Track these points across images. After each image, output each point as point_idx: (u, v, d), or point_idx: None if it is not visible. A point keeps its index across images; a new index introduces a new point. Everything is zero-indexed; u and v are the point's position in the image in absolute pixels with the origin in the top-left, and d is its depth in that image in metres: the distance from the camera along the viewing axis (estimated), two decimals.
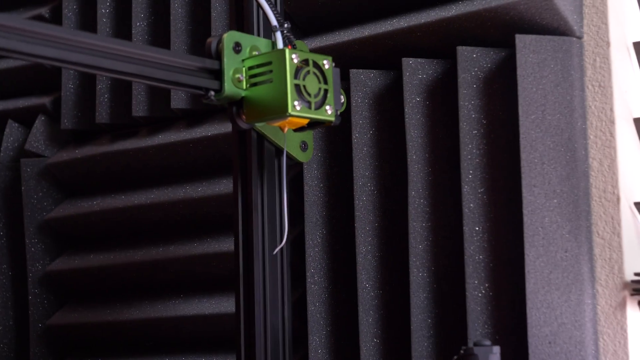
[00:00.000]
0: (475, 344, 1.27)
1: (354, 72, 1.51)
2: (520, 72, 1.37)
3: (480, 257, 1.38)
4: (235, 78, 1.26)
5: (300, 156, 1.40)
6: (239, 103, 1.28)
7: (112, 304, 1.80)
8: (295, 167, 1.57)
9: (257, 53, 1.29)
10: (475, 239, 1.39)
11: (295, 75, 1.25)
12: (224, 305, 1.63)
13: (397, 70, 1.50)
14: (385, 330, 1.46)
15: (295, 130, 1.30)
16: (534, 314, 1.33)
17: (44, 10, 1.92)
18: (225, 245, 1.64)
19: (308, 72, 1.26)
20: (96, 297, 1.83)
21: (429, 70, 1.46)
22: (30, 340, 1.86)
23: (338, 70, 1.31)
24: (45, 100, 1.90)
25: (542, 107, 1.36)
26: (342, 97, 1.40)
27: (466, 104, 1.41)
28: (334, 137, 1.55)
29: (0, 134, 1.98)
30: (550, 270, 1.34)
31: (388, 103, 1.51)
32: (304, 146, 1.40)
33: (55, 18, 1.91)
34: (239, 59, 1.28)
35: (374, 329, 1.46)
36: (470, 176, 1.39)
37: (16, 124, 1.95)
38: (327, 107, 1.28)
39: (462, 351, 1.28)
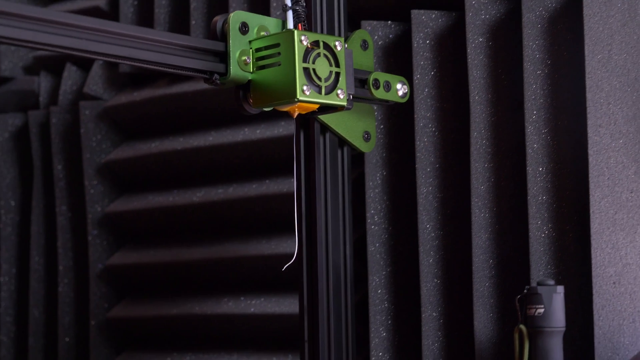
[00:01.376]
0: (539, 284, 1.28)
1: (415, 13, 1.50)
2: (586, 11, 1.35)
3: (544, 197, 1.38)
4: (242, 60, 1.21)
5: (362, 146, 1.39)
6: (245, 87, 1.23)
7: (171, 244, 1.81)
8: None
9: (265, 34, 1.23)
10: (539, 179, 1.38)
11: (305, 57, 1.20)
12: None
13: (458, 10, 1.49)
14: (445, 271, 1.46)
15: (304, 114, 1.25)
16: (598, 254, 1.33)
17: (101, 3, 1.93)
18: (285, 185, 1.65)
19: (318, 54, 1.21)
20: (155, 238, 1.85)
21: (492, 10, 1.45)
22: (89, 280, 1.89)
23: (351, 51, 1.27)
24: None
25: (608, 47, 1.35)
26: (405, 86, 1.39)
27: (530, 44, 1.39)
28: None
29: (59, 77, 1.99)
30: (616, 211, 1.33)
31: (450, 44, 1.50)
32: (366, 136, 1.40)
33: (114, 10, 1.92)
34: (246, 40, 1.22)
35: (435, 269, 1.47)
36: (534, 116, 1.38)
37: (74, 68, 1.96)
38: (339, 92, 1.23)
39: (525, 291, 1.29)
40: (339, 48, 1.23)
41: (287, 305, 1.64)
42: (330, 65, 1.22)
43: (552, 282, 1.28)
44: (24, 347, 2.00)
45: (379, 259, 1.52)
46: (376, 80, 1.36)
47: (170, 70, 1.18)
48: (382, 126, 1.54)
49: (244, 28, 1.21)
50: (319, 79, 1.21)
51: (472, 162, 1.42)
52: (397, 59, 1.54)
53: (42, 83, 2.02)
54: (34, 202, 1.98)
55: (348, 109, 1.25)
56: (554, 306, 1.27)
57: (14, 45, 1.08)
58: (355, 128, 1.37)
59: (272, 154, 1.69)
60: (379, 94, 1.36)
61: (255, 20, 1.23)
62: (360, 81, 1.36)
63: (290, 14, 1.23)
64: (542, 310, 1.27)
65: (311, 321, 1.36)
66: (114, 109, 1.87)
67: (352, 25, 1.53)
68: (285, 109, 1.22)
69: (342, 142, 1.37)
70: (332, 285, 1.36)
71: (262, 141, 1.69)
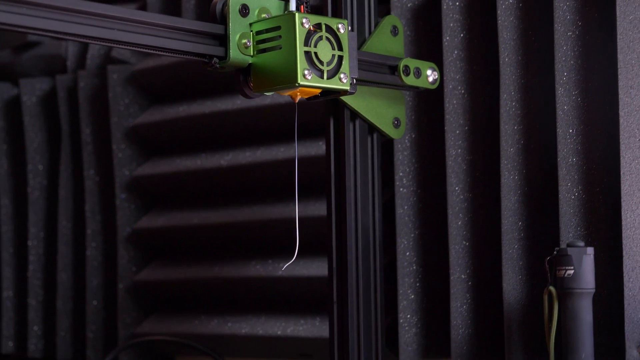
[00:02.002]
0: (569, 245, 1.27)
1: None
2: None
3: (574, 159, 1.37)
4: (242, 44, 1.17)
5: (392, 133, 1.39)
6: (246, 70, 1.20)
7: (198, 207, 1.82)
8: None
9: (266, 16, 1.20)
10: (569, 141, 1.37)
11: (306, 41, 1.17)
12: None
13: None
14: (474, 233, 1.46)
15: (308, 99, 1.23)
16: (628, 216, 1.32)
17: None
18: (313, 149, 1.65)
19: (320, 37, 1.18)
20: (183, 201, 1.86)
21: None
22: (117, 244, 1.90)
23: (354, 34, 1.25)
24: (132, 7, 1.91)
25: None
26: (435, 72, 1.38)
27: (561, 5, 1.38)
28: (424, 43, 1.54)
29: None
30: None
31: (479, 6, 1.49)
32: (396, 123, 1.39)
33: None
34: (246, 22, 1.18)
35: (463, 231, 1.47)
36: (564, 78, 1.38)
37: None
38: (342, 75, 1.20)
39: (555, 252, 1.28)
40: (342, 31, 1.21)
41: (315, 268, 1.65)
42: (333, 48, 1.20)
43: (582, 243, 1.27)
44: (52, 311, 2.02)
45: (407, 222, 1.52)
46: (406, 67, 1.35)
47: (168, 54, 1.15)
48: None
49: (244, 10, 1.18)
50: (321, 62, 1.18)
51: (501, 124, 1.42)
52: (427, 21, 1.53)
53: (70, 47, 2.02)
54: (62, 166, 1.99)
55: (351, 93, 1.23)
56: (584, 268, 1.27)
57: None
58: (385, 114, 1.37)
59: (301, 117, 1.68)
60: (410, 80, 1.36)
61: (256, 2, 1.19)
62: (390, 68, 1.36)
63: None
64: (571, 272, 1.27)
65: (340, 283, 1.36)
66: (141, 72, 1.88)
67: (383, 11, 1.52)
68: (287, 93, 1.20)
69: (372, 128, 1.37)
70: (361, 248, 1.37)
71: (290, 105, 1.68)
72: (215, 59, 1.17)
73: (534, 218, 1.42)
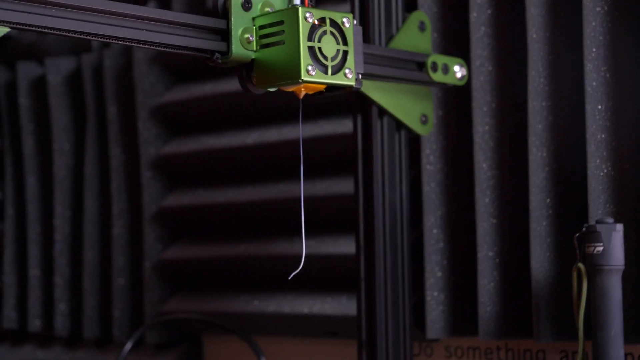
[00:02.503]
0: (598, 222, 1.27)
1: None
2: None
3: (603, 136, 1.36)
4: (245, 38, 1.15)
5: (420, 129, 1.38)
6: (249, 66, 1.17)
7: (224, 186, 1.82)
8: None
9: (270, 10, 1.17)
10: (598, 117, 1.36)
11: (310, 36, 1.14)
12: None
13: None
14: (502, 211, 1.46)
15: (313, 94, 1.19)
16: None
17: None
18: (340, 127, 1.65)
19: (325, 32, 1.15)
20: (209, 180, 1.86)
21: None
22: (143, 223, 1.90)
23: (360, 28, 1.22)
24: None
25: None
26: (463, 68, 1.37)
27: None
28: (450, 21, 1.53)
29: None
30: None
31: None
32: (424, 119, 1.38)
33: None
34: (249, 16, 1.16)
35: (491, 208, 1.46)
36: (593, 54, 1.37)
37: None
38: (347, 71, 1.17)
39: (584, 229, 1.28)
40: (347, 25, 1.17)
41: (341, 245, 1.65)
42: (338, 43, 1.17)
43: (611, 220, 1.27)
44: (78, 290, 2.02)
45: (434, 199, 1.52)
46: (434, 64, 1.35)
47: (168, 50, 1.12)
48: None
49: (246, 4, 1.15)
50: (325, 58, 1.15)
51: (529, 100, 1.41)
52: (454, 10, 1.52)
53: None
54: (88, 145, 1.99)
55: (357, 88, 1.20)
56: (613, 244, 1.26)
57: None
58: (413, 111, 1.36)
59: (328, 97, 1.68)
60: (437, 77, 1.35)
61: None
62: (418, 64, 1.35)
63: None
64: (601, 249, 1.26)
65: (367, 260, 1.36)
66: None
67: (410, 6, 1.50)
68: (291, 89, 1.17)
69: (399, 124, 1.36)
70: (389, 225, 1.37)
71: None
72: (217, 54, 1.14)
73: (563, 195, 1.41)
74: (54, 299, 2.05)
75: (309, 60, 1.13)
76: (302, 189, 1.26)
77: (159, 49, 1.11)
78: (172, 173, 1.91)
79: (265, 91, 1.20)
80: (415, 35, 1.37)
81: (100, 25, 1.06)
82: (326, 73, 1.15)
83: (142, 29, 1.09)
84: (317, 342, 1.73)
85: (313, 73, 1.13)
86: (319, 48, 1.14)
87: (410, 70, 1.35)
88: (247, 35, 1.15)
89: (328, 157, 1.68)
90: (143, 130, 1.89)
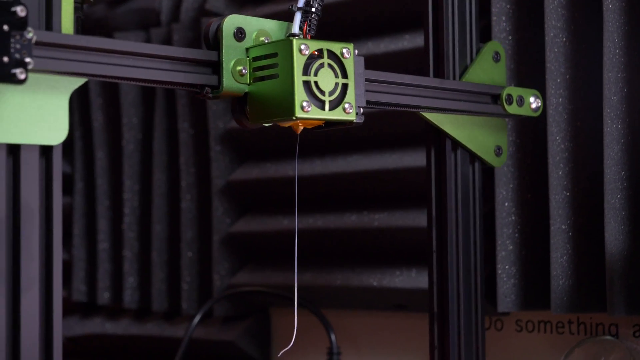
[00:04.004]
0: None
1: None
2: None
3: None
4: (237, 71, 1.06)
5: (494, 161, 1.36)
6: (242, 99, 1.09)
7: (292, 160, 1.82)
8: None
9: (265, 40, 1.09)
10: None
11: (305, 69, 1.05)
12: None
13: None
14: (576, 183, 1.44)
15: (312, 129, 1.12)
16: None
17: None
18: None
19: (322, 64, 1.07)
20: (277, 153, 1.86)
21: None
22: (212, 196, 1.91)
23: (362, 59, 1.14)
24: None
25: None
26: (538, 99, 1.35)
27: None
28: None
29: None
30: None
31: None
32: (498, 151, 1.37)
33: None
34: (242, 47, 1.07)
35: (564, 181, 1.44)
36: None
37: None
38: (346, 105, 1.09)
39: None
40: (347, 56, 1.09)
41: (411, 219, 1.64)
42: (336, 76, 1.08)
43: None
44: (147, 263, 2.04)
45: (506, 172, 1.50)
46: (509, 96, 1.33)
47: (153, 85, 1.05)
48: (509, 38, 1.51)
49: (239, 34, 1.07)
50: (322, 92, 1.07)
51: (604, 71, 1.39)
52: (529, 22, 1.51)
53: (164, 0, 2.03)
54: (157, 119, 2.01)
55: (358, 124, 1.12)
56: None
57: None
58: (487, 143, 1.35)
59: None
60: (512, 109, 1.34)
61: (253, 24, 1.09)
62: (493, 97, 1.34)
63: (298, 16, 1.08)
64: None
65: (440, 232, 1.36)
66: None
67: (484, 37, 1.49)
68: (287, 124, 1.10)
69: (473, 157, 1.36)
70: (461, 198, 1.36)
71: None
72: (207, 88, 1.06)
73: (638, 167, 1.39)
74: (122, 272, 2.07)
75: (304, 96, 1.05)
76: (296, 223, 1.22)
77: (143, 84, 1.03)
78: (240, 146, 1.92)
79: (259, 125, 1.12)
80: (489, 66, 1.35)
81: (71, 62, 0.97)
82: (323, 109, 1.07)
83: (122, 65, 1.00)
84: (385, 316, 1.73)
85: (309, 109, 1.05)
86: (315, 82, 1.06)
87: (485, 103, 1.33)
88: (239, 68, 1.07)
89: (398, 132, 1.68)
90: (211, 103, 1.90)
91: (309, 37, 1.09)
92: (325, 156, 1.77)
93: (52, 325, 0.96)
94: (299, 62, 1.05)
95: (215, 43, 1.07)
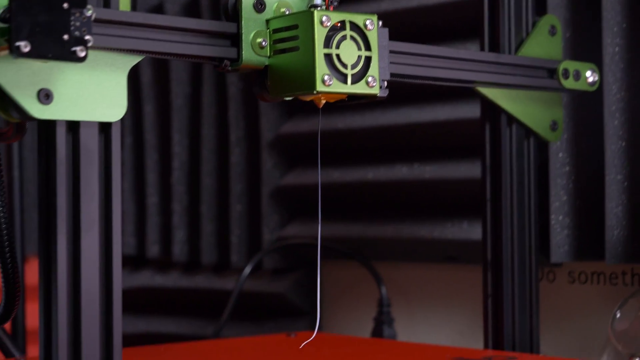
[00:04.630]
0: None
1: None
2: None
3: None
4: (257, 43, 1.04)
5: (549, 136, 1.35)
6: (263, 72, 1.06)
7: (342, 112, 1.82)
8: None
9: (286, 11, 1.06)
10: None
11: (327, 42, 1.02)
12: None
13: None
14: (632, 133, 1.43)
15: (334, 103, 1.08)
16: None
17: None
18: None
19: (344, 37, 1.03)
20: (327, 104, 1.86)
21: None
22: (261, 149, 1.92)
23: (386, 30, 1.10)
24: None
25: None
26: (595, 73, 1.33)
27: None
28: None
29: None
30: None
31: None
32: (554, 125, 1.35)
33: None
34: (262, 19, 1.04)
35: (620, 131, 1.43)
36: None
37: None
38: (370, 79, 1.04)
39: None
40: (370, 28, 1.04)
41: (462, 170, 1.64)
42: (359, 49, 1.04)
43: None
44: (196, 215, 2.05)
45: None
46: (566, 70, 1.32)
47: (169, 58, 1.02)
48: (565, 11, 1.49)
49: (259, 5, 1.04)
50: (344, 66, 1.03)
51: None
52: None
53: None
54: (205, 74, 2.01)
55: (381, 98, 1.08)
56: None
57: None
58: (542, 118, 1.34)
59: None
60: (569, 84, 1.33)
61: None
62: (549, 71, 1.33)
63: None
64: None
65: (494, 182, 1.35)
66: None
67: (540, 10, 1.47)
68: (308, 99, 1.06)
69: (528, 132, 1.35)
70: (515, 148, 1.35)
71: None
72: (226, 61, 1.03)
73: None
74: (172, 226, 2.08)
75: (325, 70, 1.01)
76: (319, 187, 1.18)
77: (158, 56, 1.00)
78: (290, 100, 1.91)
79: (281, 99, 1.09)
80: (545, 40, 1.34)
81: (134, 40, 0.97)
82: (345, 82, 1.03)
83: (140, 38, 0.98)
84: (436, 268, 1.73)
85: (330, 83, 1.01)
86: (337, 55, 1.03)
87: (541, 77, 1.32)
88: (259, 40, 1.04)
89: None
90: None
91: (331, 8, 1.05)
92: (376, 108, 1.77)
93: (111, 266, 0.97)
94: (320, 35, 1.01)
95: (234, 14, 1.04)
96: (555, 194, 1.49)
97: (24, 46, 0.84)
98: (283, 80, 1.04)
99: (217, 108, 2.01)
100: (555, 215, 1.49)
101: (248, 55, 1.03)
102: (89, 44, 0.88)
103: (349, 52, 1.03)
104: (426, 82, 1.19)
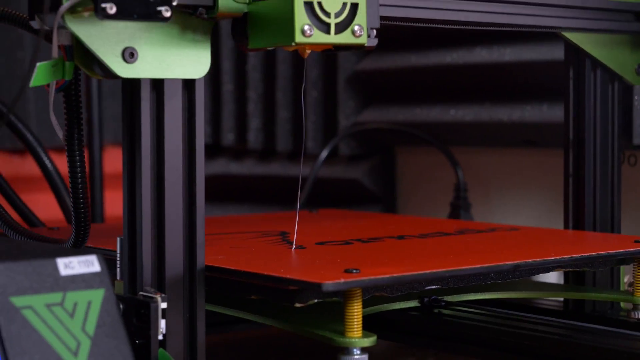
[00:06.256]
0: None
1: None
2: None
3: None
4: None
5: (634, 80, 1.29)
6: (242, 20, 0.97)
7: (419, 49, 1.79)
8: None
9: None
10: None
11: None
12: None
13: None
14: None
15: (321, 52, 1.00)
16: None
17: None
18: None
19: None
20: (406, 43, 1.82)
21: None
22: (337, 85, 1.90)
23: None
24: None
25: None
26: None
27: None
28: None
29: None
30: None
31: None
32: (639, 69, 1.30)
33: None
34: None
35: None
36: None
37: None
38: (356, 28, 0.94)
39: None
40: None
41: (542, 52, 1.61)
42: None
43: None
44: (271, 103, 2.05)
45: None
46: None
47: None
48: None
49: None
50: (327, 14, 0.93)
51: None
52: None
53: None
54: None
55: (370, 47, 0.99)
56: None
57: None
58: (628, 61, 1.29)
59: None
60: None
61: None
62: (635, 14, 1.27)
63: None
64: None
65: (577, 127, 1.33)
66: None
67: None
68: (290, 49, 0.96)
69: (612, 77, 1.30)
70: (599, 94, 1.32)
71: None
72: (200, 9, 0.94)
73: None
74: (247, 113, 2.08)
75: (305, 19, 0.92)
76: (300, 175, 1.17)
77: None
78: None
79: (260, 50, 1.00)
80: None
81: None
82: (328, 32, 0.93)
83: None
84: (514, 152, 1.72)
85: (311, 33, 0.92)
86: (319, 3, 0.93)
87: (627, 21, 1.27)
88: None
89: None
90: None
91: None
92: None
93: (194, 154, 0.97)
94: None
95: None
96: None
97: (110, 8, 0.84)
98: (263, 29, 0.96)
99: None
100: (638, 96, 1.46)
101: (224, 1, 0.95)
102: (174, 3, 0.88)
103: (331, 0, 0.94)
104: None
